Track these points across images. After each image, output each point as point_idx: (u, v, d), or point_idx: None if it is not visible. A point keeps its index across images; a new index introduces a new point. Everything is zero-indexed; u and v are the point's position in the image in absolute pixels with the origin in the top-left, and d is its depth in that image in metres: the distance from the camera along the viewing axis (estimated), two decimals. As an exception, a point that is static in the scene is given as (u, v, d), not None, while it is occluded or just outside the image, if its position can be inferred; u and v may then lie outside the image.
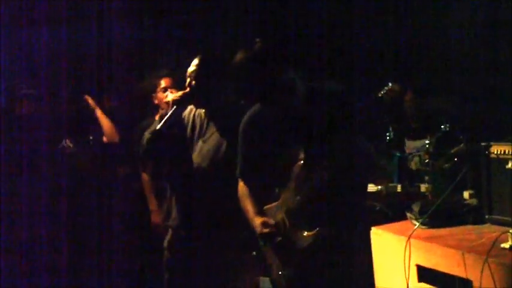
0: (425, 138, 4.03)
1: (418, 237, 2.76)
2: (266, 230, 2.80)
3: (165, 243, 3.59)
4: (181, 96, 3.43)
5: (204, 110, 3.52)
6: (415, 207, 3.04)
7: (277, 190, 2.87)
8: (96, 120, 4.44)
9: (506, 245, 2.49)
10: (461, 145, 3.66)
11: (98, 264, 4.42)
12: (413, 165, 4.14)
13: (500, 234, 2.55)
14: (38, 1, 4.71)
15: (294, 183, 2.78)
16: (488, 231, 2.77)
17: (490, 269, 2.37)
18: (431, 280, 2.68)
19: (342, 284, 2.80)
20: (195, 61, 3.45)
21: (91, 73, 4.84)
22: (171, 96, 3.54)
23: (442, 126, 3.86)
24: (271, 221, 2.83)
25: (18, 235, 4.19)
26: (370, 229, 3.03)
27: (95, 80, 4.77)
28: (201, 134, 3.49)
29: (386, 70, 5.16)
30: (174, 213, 3.56)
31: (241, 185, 3.06)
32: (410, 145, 4.35)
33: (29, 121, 4.30)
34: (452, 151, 3.68)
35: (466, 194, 3.21)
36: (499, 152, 2.88)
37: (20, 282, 4.17)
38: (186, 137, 3.50)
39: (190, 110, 3.59)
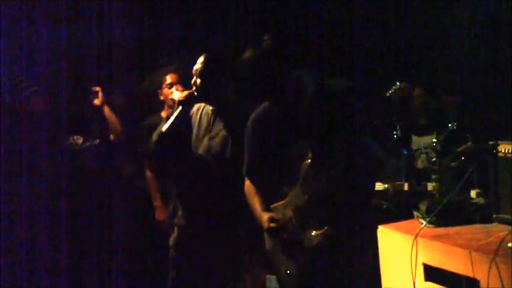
0: (432, 134, 4.02)
1: (425, 236, 2.76)
2: (273, 225, 2.80)
3: (171, 242, 3.60)
4: (186, 96, 3.45)
5: (211, 107, 3.54)
6: (422, 206, 3.04)
7: (284, 189, 2.86)
8: (103, 117, 4.43)
9: (513, 245, 2.49)
10: (469, 144, 3.65)
11: (99, 264, 4.41)
12: (420, 163, 4.14)
13: (508, 234, 2.55)
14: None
15: (302, 182, 2.78)
16: (496, 230, 2.76)
17: (498, 268, 2.36)
18: (438, 279, 2.67)
19: (349, 283, 2.80)
20: (201, 59, 3.47)
21: (94, 71, 4.83)
22: (176, 94, 3.55)
23: (450, 125, 3.86)
24: (279, 217, 2.83)
25: (18, 235, 4.18)
26: (377, 228, 3.03)
27: (98, 78, 4.75)
28: (208, 131, 3.51)
29: (387, 69, 5.16)
30: (179, 212, 3.57)
31: (247, 183, 3.06)
32: (418, 141, 4.34)
33: (32, 120, 4.29)
34: (459, 150, 3.67)
35: (473, 193, 3.20)
36: (506, 151, 2.87)
37: (20, 282, 4.16)
38: (192, 136, 3.52)
39: (198, 108, 3.60)
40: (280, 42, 2.77)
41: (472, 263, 2.47)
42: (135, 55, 5.19)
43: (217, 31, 5.41)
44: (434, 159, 3.76)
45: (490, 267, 2.36)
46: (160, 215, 4.46)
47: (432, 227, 2.89)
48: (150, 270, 4.66)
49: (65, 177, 4.32)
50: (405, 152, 4.39)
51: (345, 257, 2.78)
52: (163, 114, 4.48)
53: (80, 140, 4.36)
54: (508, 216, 2.84)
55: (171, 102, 3.86)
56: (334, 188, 2.71)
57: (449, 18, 5.11)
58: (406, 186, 4.11)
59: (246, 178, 3.07)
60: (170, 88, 4.29)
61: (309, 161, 2.76)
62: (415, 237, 2.73)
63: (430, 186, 3.77)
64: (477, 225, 2.91)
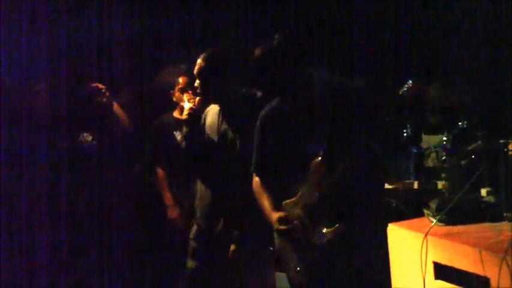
0: (443, 133, 4.01)
1: (435, 234, 2.75)
2: (283, 227, 2.80)
3: (191, 234, 3.63)
4: (189, 115, 3.50)
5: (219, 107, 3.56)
6: (432, 204, 3.03)
7: (294, 186, 2.87)
8: (111, 114, 4.42)
9: (524, 243, 2.48)
10: (479, 142, 3.64)
11: (99, 264, 4.41)
12: (430, 161, 4.13)
13: (518, 232, 2.55)
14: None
15: (312, 180, 2.78)
16: (506, 228, 2.74)
17: (508, 267, 2.36)
18: (448, 277, 2.67)
19: (359, 280, 2.80)
20: (199, 60, 3.48)
21: (98, 69, 4.82)
22: (186, 108, 3.60)
23: (460, 123, 3.85)
24: (289, 217, 2.83)
25: (18, 235, 4.18)
26: (387, 226, 3.03)
27: (102, 77, 4.75)
28: (217, 132, 3.53)
29: (399, 68, 5.14)
30: (198, 213, 3.61)
31: (256, 181, 3.06)
32: (428, 140, 4.33)
33: (32, 119, 4.29)
34: (469, 148, 3.65)
35: (483, 192, 3.19)
36: (517, 150, 2.86)
37: (20, 282, 4.17)
38: (209, 140, 3.55)
39: (210, 108, 3.62)
40: (291, 39, 2.78)
41: (482, 262, 2.46)
42: (139, 53, 5.19)
43: (222, 27, 5.38)
44: (444, 157, 3.75)
45: (500, 266, 2.36)
46: (172, 213, 4.45)
47: (442, 225, 2.88)
48: (150, 270, 4.64)
49: (65, 176, 4.32)
50: (415, 151, 4.38)
51: (355, 255, 2.79)
52: (176, 114, 4.49)
53: (90, 138, 4.37)
54: (518, 215, 2.84)
55: (182, 108, 3.90)
56: (344, 186, 2.71)
57: (459, 16, 5.09)
58: (416, 185, 4.11)
59: (254, 175, 3.07)
60: (182, 92, 4.27)
61: (320, 158, 2.76)
62: (425, 235, 2.73)
63: (440, 184, 3.77)
64: (487, 224, 2.90)
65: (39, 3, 4.64)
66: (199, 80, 3.46)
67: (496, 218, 2.92)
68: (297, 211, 2.83)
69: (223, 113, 3.53)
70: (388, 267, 3.00)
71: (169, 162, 4.49)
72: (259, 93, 3.31)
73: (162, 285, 4.55)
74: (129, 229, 4.55)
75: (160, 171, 4.53)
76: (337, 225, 2.73)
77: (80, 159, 4.36)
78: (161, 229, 4.53)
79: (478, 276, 2.49)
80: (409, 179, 4.29)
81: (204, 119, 3.61)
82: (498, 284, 2.37)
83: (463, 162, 3.55)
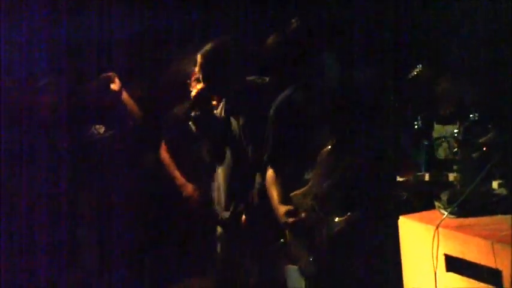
0: (455, 123, 3.99)
1: (447, 227, 2.75)
2: (291, 220, 2.80)
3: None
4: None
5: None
6: (444, 197, 3.03)
7: (306, 176, 2.86)
8: (120, 104, 4.42)
9: (536, 235, 2.48)
10: (491, 134, 3.62)
11: (100, 264, 4.42)
12: (441, 151, 4.11)
13: (530, 225, 2.54)
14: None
15: (322, 169, 2.78)
16: (518, 221, 2.75)
17: (520, 259, 2.36)
18: (459, 270, 2.66)
19: (370, 271, 2.81)
20: (198, 56, 3.48)
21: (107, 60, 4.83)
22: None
23: (471, 115, 3.82)
24: (297, 207, 2.83)
25: (18, 233, 4.19)
26: (398, 217, 3.02)
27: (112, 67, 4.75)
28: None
29: (411, 56, 5.11)
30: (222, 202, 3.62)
31: (269, 172, 3.06)
32: (440, 130, 4.31)
33: (33, 116, 4.28)
34: (481, 140, 3.64)
35: (495, 184, 3.18)
36: (529, 142, 2.85)
37: (20, 282, 4.18)
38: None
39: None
40: (306, 26, 2.76)
41: (494, 254, 2.46)
42: (149, 44, 5.18)
43: (222, 28, 5.36)
44: (455, 149, 3.73)
45: (512, 258, 2.36)
46: (187, 190, 4.42)
47: (454, 218, 2.88)
48: (149, 270, 4.65)
49: (67, 173, 4.31)
50: (426, 143, 4.36)
51: (367, 244, 2.79)
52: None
53: (102, 129, 4.37)
54: (530, 207, 2.83)
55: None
56: (356, 175, 2.71)
57: (469, 9, 5.06)
58: (427, 177, 4.09)
59: (267, 166, 3.07)
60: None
61: (329, 147, 2.75)
62: (437, 227, 2.72)
63: (452, 176, 3.75)
64: (499, 216, 2.89)
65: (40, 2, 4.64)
66: (201, 73, 3.47)
67: (508, 210, 2.91)
68: (308, 201, 2.82)
69: (226, 106, 3.53)
70: (398, 258, 3.00)
71: (181, 153, 4.49)
72: (262, 80, 3.33)
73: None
74: (135, 226, 4.54)
75: (165, 153, 4.49)
76: (349, 213, 2.72)
77: (92, 151, 4.36)
78: (176, 221, 4.53)
79: (489, 269, 2.49)
80: (419, 171, 4.28)
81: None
82: (510, 276, 2.36)
83: (474, 155, 3.54)
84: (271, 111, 3.01)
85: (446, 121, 4.30)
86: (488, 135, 3.62)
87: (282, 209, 2.87)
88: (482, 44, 4.87)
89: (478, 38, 4.94)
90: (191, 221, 4.43)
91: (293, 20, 2.80)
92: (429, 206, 3.17)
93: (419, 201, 3.83)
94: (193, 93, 3.63)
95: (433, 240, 2.71)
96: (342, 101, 2.81)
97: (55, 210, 4.24)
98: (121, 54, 4.88)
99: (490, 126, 3.70)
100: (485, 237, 2.56)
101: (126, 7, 4.99)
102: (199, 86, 3.62)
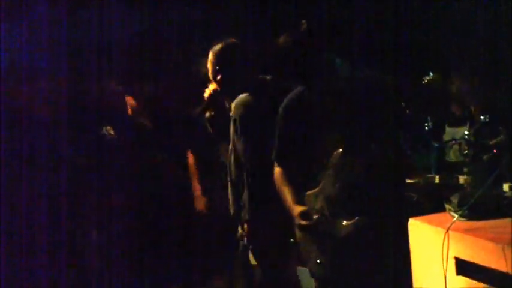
0: (465, 125, 3.98)
1: (457, 230, 2.74)
2: (304, 222, 2.80)
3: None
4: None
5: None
6: (454, 199, 3.02)
7: (317, 177, 2.86)
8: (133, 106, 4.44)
9: (547, 239, 2.47)
10: (501, 136, 3.61)
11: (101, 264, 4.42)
12: (452, 154, 4.09)
13: (541, 228, 2.53)
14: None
15: (333, 171, 2.77)
16: (529, 224, 2.73)
17: (531, 263, 2.35)
18: (469, 273, 2.66)
19: (379, 274, 2.80)
20: (210, 53, 3.52)
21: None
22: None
23: (482, 117, 3.81)
24: (310, 208, 2.82)
25: (18, 233, 4.19)
26: (408, 220, 3.02)
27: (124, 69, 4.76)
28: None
29: (421, 59, 5.10)
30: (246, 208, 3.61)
31: (277, 170, 3.05)
32: (450, 132, 4.30)
33: (33, 117, 4.28)
34: (491, 142, 3.63)
35: (505, 187, 3.17)
36: (540, 144, 2.84)
37: (20, 282, 4.18)
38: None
39: None
40: (316, 27, 2.76)
41: (505, 257, 2.45)
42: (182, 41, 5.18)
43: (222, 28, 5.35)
44: (466, 151, 3.72)
45: (523, 262, 2.35)
46: (199, 204, 4.43)
47: (464, 221, 2.87)
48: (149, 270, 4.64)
49: (66, 175, 4.30)
50: (436, 145, 4.35)
51: (376, 247, 2.78)
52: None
53: (112, 131, 4.38)
54: (541, 210, 2.82)
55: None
56: (365, 178, 2.70)
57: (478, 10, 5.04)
58: (437, 179, 4.08)
59: (275, 164, 3.06)
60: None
61: (341, 150, 2.75)
62: (447, 230, 2.72)
63: (462, 179, 3.74)
64: (510, 219, 2.87)
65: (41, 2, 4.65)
66: (212, 76, 3.50)
67: (519, 214, 2.91)
68: (319, 203, 2.82)
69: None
70: (408, 261, 2.99)
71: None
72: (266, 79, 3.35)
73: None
74: (139, 227, 4.53)
75: (191, 159, 4.48)
76: (356, 217, 2.72)
77: (103, 152, 4.37)
78: (184, 223, 4.54)
79: (500, 272, 2.48)
80: (429, 173, 4.27)
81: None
82: (521, 280, 2.36)
83: (485, 157, 3.53)
84: (280, 109, 3.01)
85: (457, 124, 4.30)
86: (499, 138, 3.60)
87: (297, 209, 2.85)
88: (493, 46, 4.85)
89: (488, 39, 4.92)
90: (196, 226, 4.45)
91: (303, 21, 2.80)
92: (439, 209, 3.16)
93: (430, 204, 3.83)
94: (206, 94, 3.65)
95: (443, 243, 2.70)
96: (353, 102, 2.80)
97: (55, 210, 4.23)
98: (131, 54, 4.89)
99: (500, 128, 3.69)
100: (495, 241, 2.55)
101: (130, 7, 5.00)
102: (212, 86, 3.64)
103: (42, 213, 4.20)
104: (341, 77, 2.79)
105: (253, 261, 3.61)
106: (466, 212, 2.87)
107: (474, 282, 2.62)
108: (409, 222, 2.99)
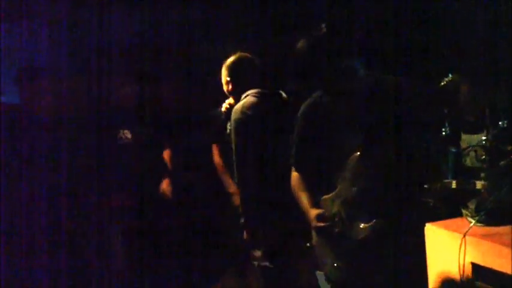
0: (482, 132, 3.96)
1: (474, 235, 2.74)
2: (321, 224, 2.80)
3: None
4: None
5: None
6: (471, 205, 3.01)
7: (334, 181, 2.86)
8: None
9: None
10: (519, 142, 3.59)
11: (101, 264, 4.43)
12: (469, 160, 4.07)
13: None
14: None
15: (350, 175, 2.77)
16: (547, 230, 2.72)
17: (548, 269, 2.33)
18: (486, 279, 2.65)
19: (396, 278, 2.79)
20: (223, 67, 3.67)
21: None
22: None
23: (500, 123, 3.79)
24: (327, 214, 2.82)
25: (18, 233, 4.21)
26: (425, 225, 3.01)
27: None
28: None
29: (439, 63, 5.08)
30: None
31: (294, 175, 3.06)
32: (468, 139, 4.28)
33: (32, 119, 4.30)
34: (509, 148, 3.60)
35: (523, 192, 3.16)
36: (558, 150, 2.82)
37: (20, 282, 4.19)
38: None
39: None
40: (335, 31, 2.76)
41: (522, 263, 2.45)
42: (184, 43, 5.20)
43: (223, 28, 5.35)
44: (483, 157, 3.70)
45: (540, 268, 2.34)
46: (237, 200, 4.41)
47: (481, 226, 2.86)
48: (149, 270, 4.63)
49: (66, 176, 4.31)
50: (453, 150, 4.33)
51: (392, 251, 2.78)
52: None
53: (129, 135, 4.39)
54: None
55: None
56: (383, 182, 2.70)
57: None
58: (454, 184, 4.06)
59: (293, 169, 3.07)
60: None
61: (358, 153, 2.75)
62: (464, 235, 2.71)
63: (479, 184, 3.72)
64: (527, 225, 2.88)
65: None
66: (224, 86, 3.69)
67: (536, 219, 2.89)
68: (335, 207, 2.82)
69: None
70: (425, 266, 2.99)
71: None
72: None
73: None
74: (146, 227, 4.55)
75: (218, 158, 4.36)
76: (374, 220, 2.72)
77: (119, 155, 4.39)
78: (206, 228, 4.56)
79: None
80: (446, 178, 4.25)
81: None
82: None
83: (502, 162, 3.51)
84: (299, 113, 3.02)
85: (473, 130, 4.27)
86: (517, 143, 3.58)
87: (313, 212, 2.86)
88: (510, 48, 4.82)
89: (505, 41, 4.90)
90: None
91: (322, 25, 2.80)
92: (456, 214, 3.16)
93: (446, 209, 3.82)
94: (223, 108, 3.75)
95: (460, 249, 2.70)
96: (370, 104, 2.80)
97: (55, 210, 4.26)
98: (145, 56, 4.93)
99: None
100: (512, 246, 2.55)
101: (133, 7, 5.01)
102: (229, 101, 3.74)
103: (42, 213, 4.23)
104: (360, 80, 2.80)
105: (262, 262, 3.61)
106: (483, 217, 2.86)
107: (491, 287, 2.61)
108: (426, 227, 2.99)
